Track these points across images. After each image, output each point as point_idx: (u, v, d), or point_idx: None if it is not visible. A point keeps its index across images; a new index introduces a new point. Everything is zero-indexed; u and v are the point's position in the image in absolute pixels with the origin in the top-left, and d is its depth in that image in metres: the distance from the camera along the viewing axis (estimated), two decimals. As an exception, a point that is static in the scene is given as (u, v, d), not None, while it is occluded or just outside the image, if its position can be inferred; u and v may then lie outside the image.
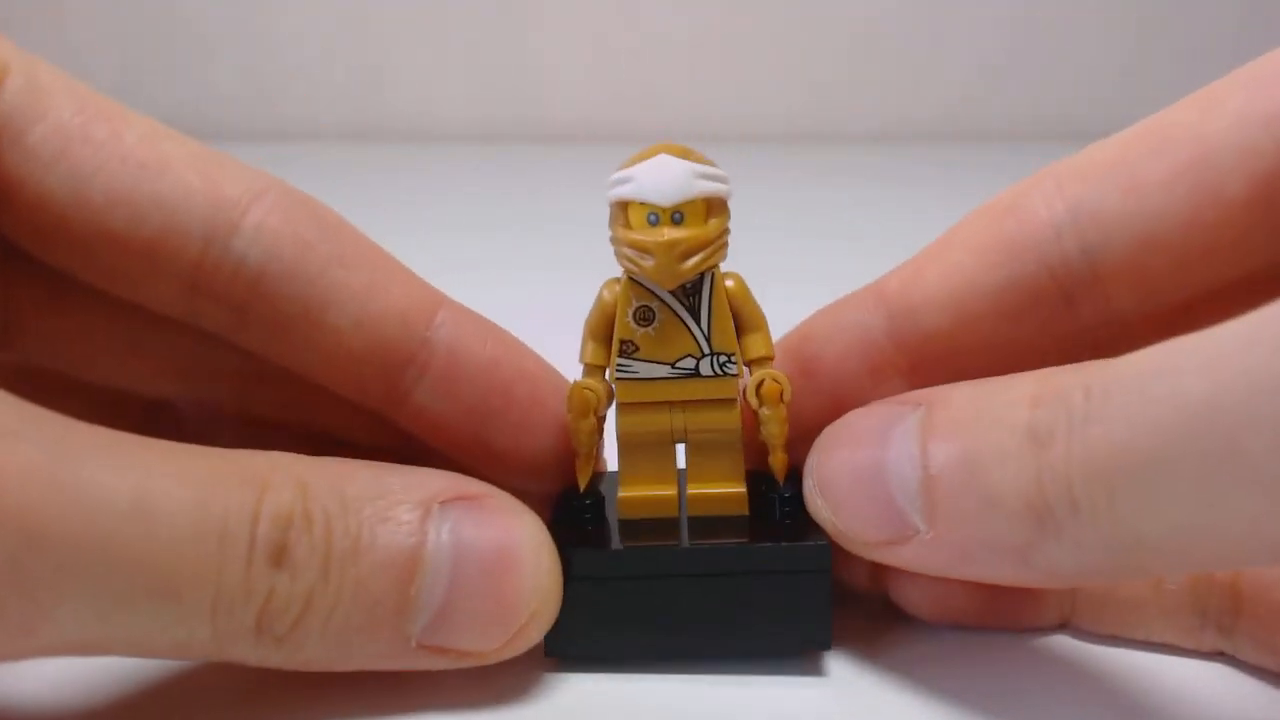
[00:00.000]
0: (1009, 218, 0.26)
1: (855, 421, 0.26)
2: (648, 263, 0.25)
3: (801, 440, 0.27)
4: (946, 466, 0.23)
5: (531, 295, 0.63)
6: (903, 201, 0.91)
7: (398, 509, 0.23)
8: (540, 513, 0.30)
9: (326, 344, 0.27)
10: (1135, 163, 0.25)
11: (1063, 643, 0.28)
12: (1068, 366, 0.22)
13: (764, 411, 0.27)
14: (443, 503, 0.24)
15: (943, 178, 1.03)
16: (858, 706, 0.26)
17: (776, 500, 0.28)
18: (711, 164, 0.26)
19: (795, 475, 0.29)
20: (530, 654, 0.26)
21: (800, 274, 0.56)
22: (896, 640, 0.28)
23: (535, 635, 0.25)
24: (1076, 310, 0.26)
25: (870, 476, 0.24)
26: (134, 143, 0.26)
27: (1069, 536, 0.21)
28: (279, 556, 0.22)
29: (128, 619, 0.21)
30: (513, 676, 0.26)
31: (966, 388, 0.24)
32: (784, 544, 0.26)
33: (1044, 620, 0.28)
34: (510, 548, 0.24)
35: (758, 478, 0.28)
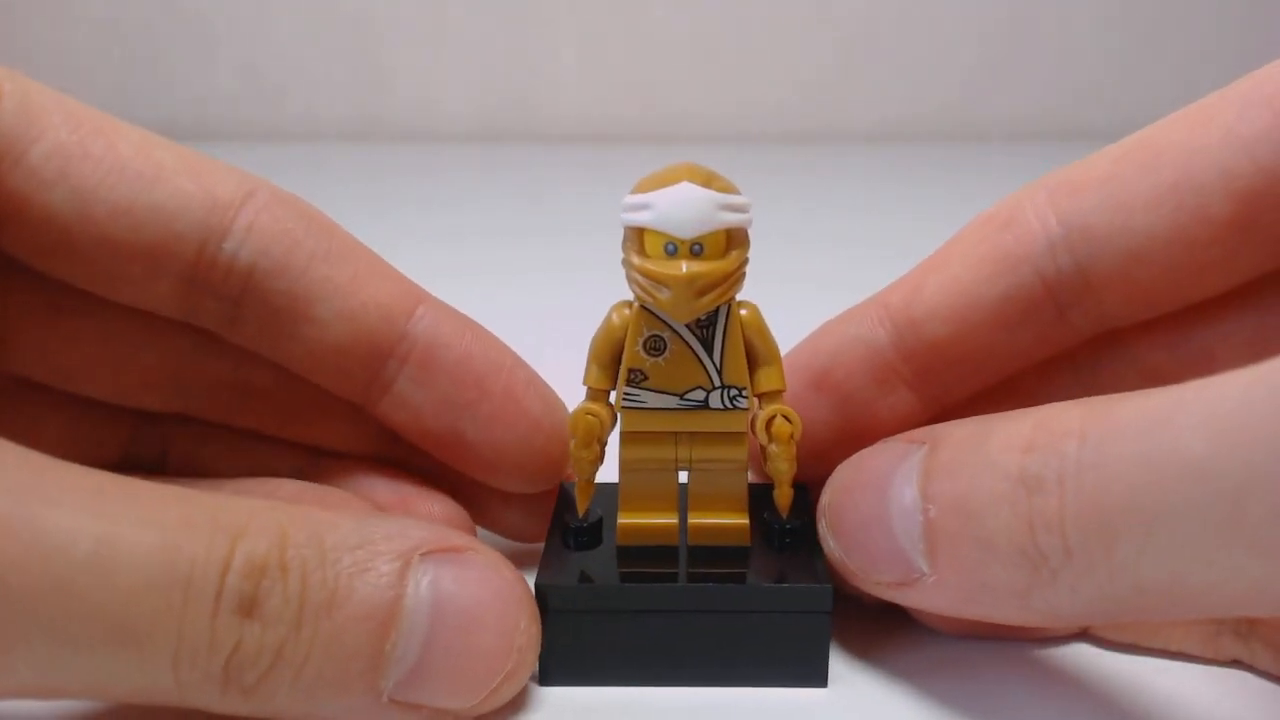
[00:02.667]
0: (1004, 231, 0.26)
1: (864, 461, 0.26)
2: (663, 295, 0.24)
3: (812, 456, 0.27)
4: (943, 510, 0.23)
5: (531, 294, 0.63)
6: (900, 201, 0.90)
7: (378, 560, 0.22)
8: (539, 532, 0.29)
9: (313, 335, 0.28)
10: (1124, 180, 0.25)
11: (1079, 651, 0.27)
12: (1065, 404, 0.22)
13: (772, 448, 0.26)
14: (424, 554, 0.23)
15: (941, 178, 1.03)
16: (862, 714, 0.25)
17: (778, 531, 0.27)
18: (734, 190, 0.25)
19: (799, 504, 0.28)
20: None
21: (798, 274, 0.56)
22: (904, 647, 0.28)
23: (508, 694, 0.24)
24: (1070, 320, 0.26)
25: (876, 520, 0.24)
26: (129, 154, 0.27)
27: (1065, 582, 0.21)
28: (249, 607, 0.21)
29: (86, 665, 0.21)
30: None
31: (967, 426, 0.24)
32: (785, 585, 0.26)
33: (1062, 631, 0.28)
34: (489, 605, 0.24)
35: (760, 498, 0.28)
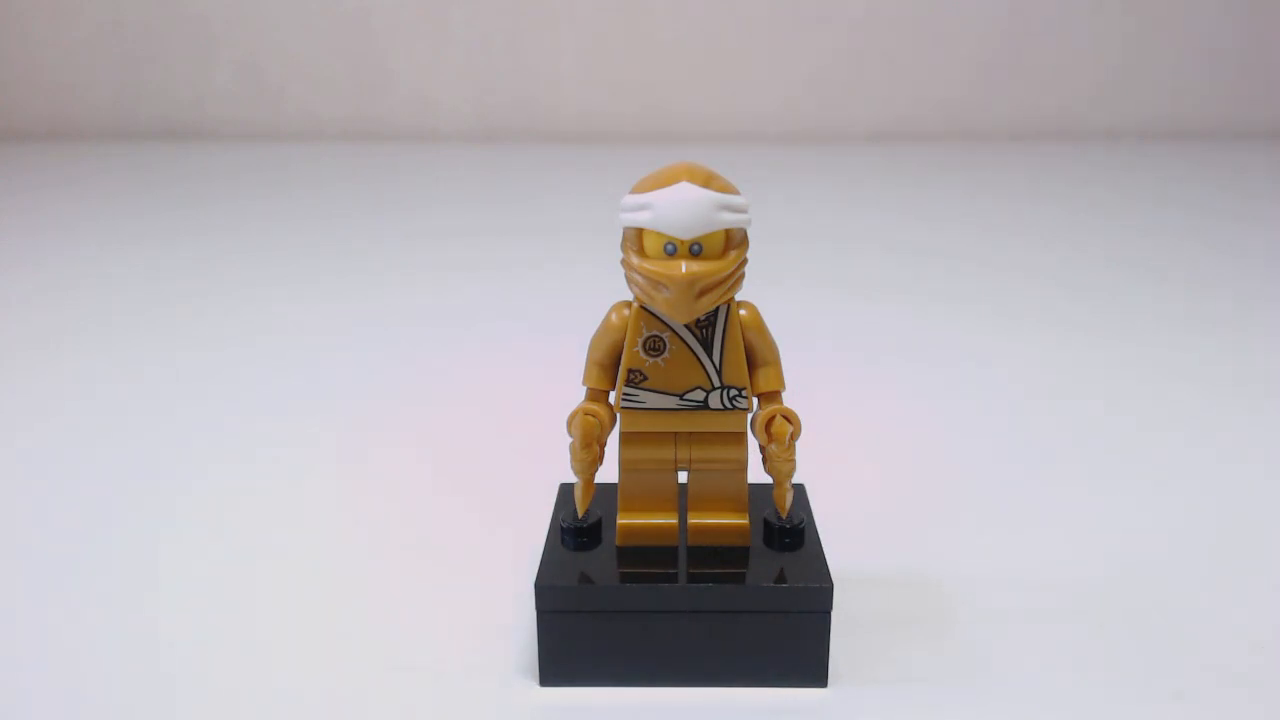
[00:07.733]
0: None
1: None
2: (663, 295, 0.24)
3: None
4: None
5: (530, 294, 0.63)
6: (901, 201, 0.90)
7: None
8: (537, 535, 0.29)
9: None
10: None
11: (1078, 652, 0.27)
12: None
13: (772, 448, 0.26)
14: None
15: (941, 178, 1.03)
16: (862, 714, 0.25)
17: (778, 531, 0.27)
18: (733, 190, 0.25)
19: (799, 503, 0.28)
20: (525, 676, 0.26)
21: (797, 274, 0.57)
22: (904, 648, 0.28)
23: None
24: None
25: None
26: None
27: None
28: None
29: None
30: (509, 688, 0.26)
31: None
32: (785, 585, 0.26)
33: None
34: None
35: (760, 499, 0.28)
